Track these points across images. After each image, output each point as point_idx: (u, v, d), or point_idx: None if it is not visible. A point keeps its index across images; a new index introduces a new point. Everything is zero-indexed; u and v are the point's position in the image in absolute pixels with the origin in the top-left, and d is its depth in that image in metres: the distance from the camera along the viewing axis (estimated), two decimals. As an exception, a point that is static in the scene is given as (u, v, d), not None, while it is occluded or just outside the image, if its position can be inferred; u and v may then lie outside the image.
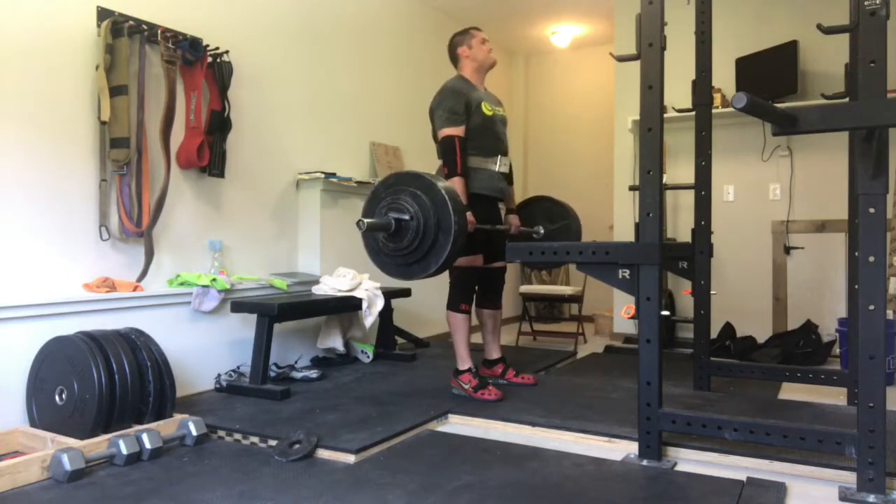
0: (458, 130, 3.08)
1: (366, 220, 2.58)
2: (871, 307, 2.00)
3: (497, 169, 3.23)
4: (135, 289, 3.04)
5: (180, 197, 3.36)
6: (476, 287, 3.31)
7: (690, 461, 2.37)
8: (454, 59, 3.35)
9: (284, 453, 2.38)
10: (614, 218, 5.27)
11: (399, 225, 2.63)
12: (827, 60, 4.38)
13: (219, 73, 3.46)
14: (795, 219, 4.57)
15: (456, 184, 3.00)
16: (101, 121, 2.92)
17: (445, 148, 3.08)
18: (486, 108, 3.19)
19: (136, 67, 3.05)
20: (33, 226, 2.75)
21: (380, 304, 3.83)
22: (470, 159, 3.15)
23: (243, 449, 2.51)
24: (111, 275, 3.01)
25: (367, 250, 2.83)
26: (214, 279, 3.33)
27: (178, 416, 2.63)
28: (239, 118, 3.61)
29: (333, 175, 4.10)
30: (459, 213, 2.60)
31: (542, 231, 3.60)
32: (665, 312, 2.40)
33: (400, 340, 4.47)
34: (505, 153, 3.28)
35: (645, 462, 2.34)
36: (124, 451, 2.29)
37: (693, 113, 3.36)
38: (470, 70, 3.28)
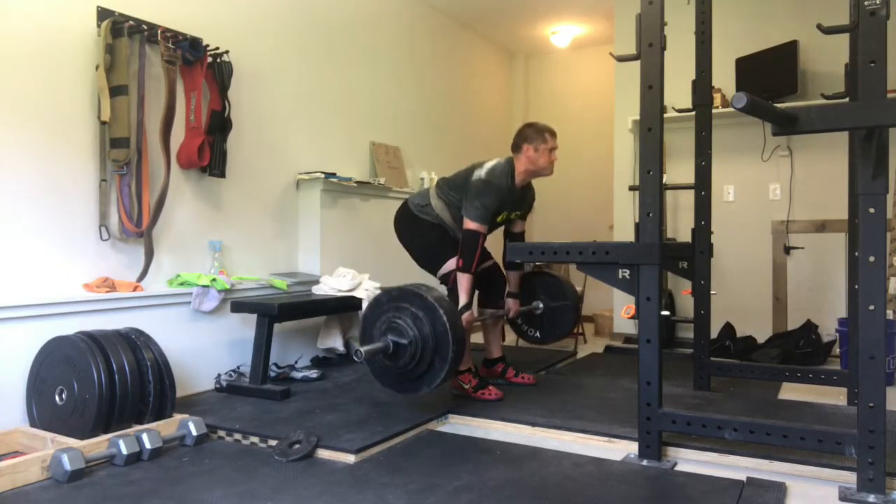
0: (484, 229, 3.05)
1: (363, 350, 2.58)
2: (871, 307, 2.00)
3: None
4: (135, 289, 3.04)
5: (180, 197, 3.36)
6: (476, 288, 3.31)
7: (690, 461, 2.37)
8: (516, 147, 3.18)
9: (284, 453, 2.38)
10: (614, 218, 5.27)
11: (397, 347, 2.64)
12: (827, 60, 4.38)
13: (219, 73, 3.46)
14: (795, 219, 4.57)
15: (464, 280, 3.02)
16: (101, 121, 2.92)
17: (468, 240, 3.02)
18: (501, 218, 3.20)
19: (136, 67, 3.05)
20: (33, 226, 2.75)
21: (380, 304, 3.82)
22: (453, 222, 3.20)
23: (243, 449, 2.51)
24: (111, 275, 3.01)
25: (367, 363, 2.81)
26: (214, 279, 3.33)
27: (178, 416, 2.63)
28: (239, 118, 3.61)
29: (333, 175, 4.10)
30: (458, 341, 2.60)
31: (541, 307, 3.63)
32: (665, 312, 2.40)
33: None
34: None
35: (645, 462, 2.34)
36: (124, 451, 2.29)
37: (693, 113, 3.36)
38: (523, 168, 3.15)
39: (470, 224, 3.03)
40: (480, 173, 3.09)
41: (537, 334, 3.72)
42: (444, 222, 3.21)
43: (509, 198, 3.15)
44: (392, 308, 2.69)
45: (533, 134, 3.15)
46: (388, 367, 2.71)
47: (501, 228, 3.37)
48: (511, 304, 3.44)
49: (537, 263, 3.89)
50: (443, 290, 3.04)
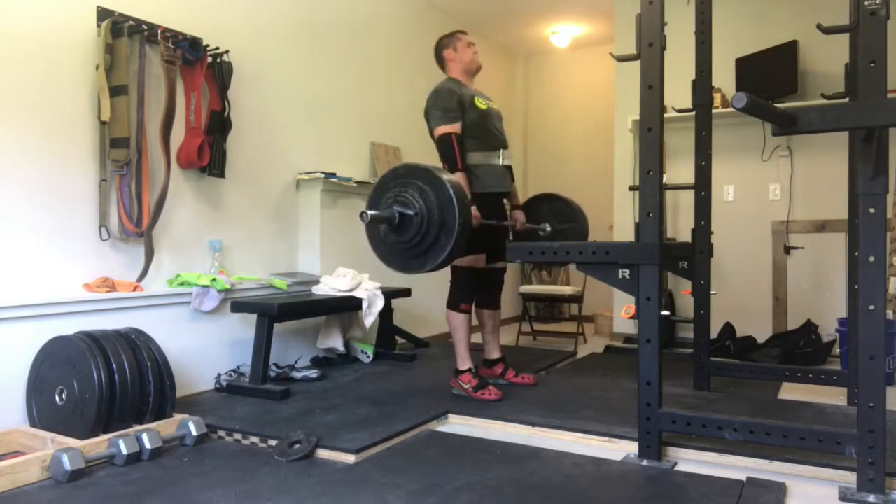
0: (454, 127, 3.09)
1: (369, 213, 2.57)
2: (871, 307, 2.00)
3: (501, 163, 3.25)
4: (135, 289, 3.04)
5: (180, 197, 3.36)
6: (477, 288, 3.31)
7: (690, 461, 2.37)
8: (440, 61, 3.37)
9: (284, 453, 2.38)
10: (614, 218, 5.27)
11: (403, 219, 2.62)
12: (827, 60, 4.38)
13: (219, 73, 3.46)
14: (795, 219, 4.57)
15: (459, 177, 3.01)
16: (101, 121, 2.92)
17: (443, 146, 3.10)
18: (480, 103, 3.20)
19: (136, 67, 3.05)
20: (33, 226, 2.75)
21: (380, 304, 3.83)
22: (472, 156, 3.16)
23: (243, 449, 2.51)
24: (111, 275, 3.01)
25: (369, 238, 2.82)
26: (214, 279, 3.33)
27: (178, 416, 2.63)
28: (239, 118, 3.61)
29: (333, 175, 4.10)
30: (465, 213, 2.59)
31: (548, 228, 3.56)
32: (665, 312, 2.40)
33: (400, 340, 4.47)
34: (506, 146, 3.31)
35: (645, 462, 2.34)
36: (124, 451, 2.29)
37: (693, 113, 3.36)
38: (458, 71, 3.30)
39: (436, 131, 3.12)
40: (427, 97, 3.20)
41: (547, 227, 3.61)
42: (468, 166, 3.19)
43: (469, 90, 3.22)
44: (398, 184, 2.68)
45: (446, 41, 3.34)
46: (392, 243, 2.69)
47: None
48: (517, 215, 3.46)
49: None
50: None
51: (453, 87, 3.18)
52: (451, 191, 2.58)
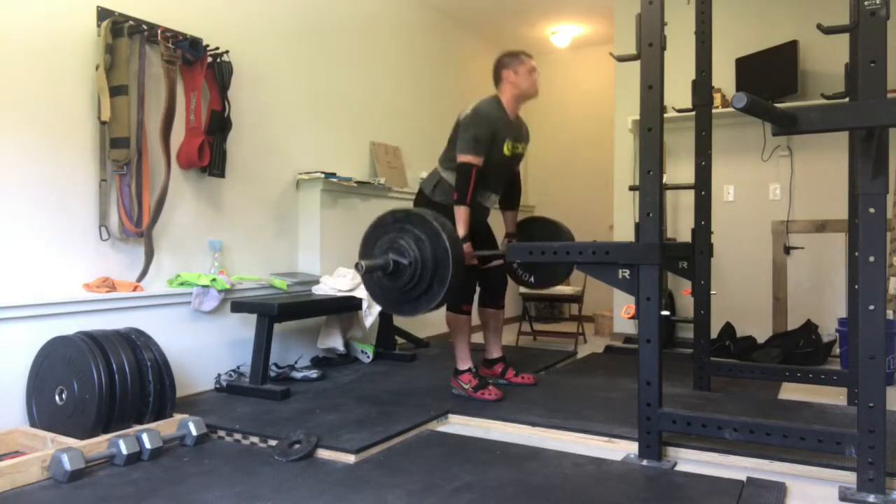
0: (478, 160, 3.02)
1: (364, 263, 2.58)
2: (871, 307, 2.00)
3: (486, 204, 3.25)
4: (135, 289, 3.04)
5: (180, 197, 3.36)
6: (477, 287, 3.31)
7: (690, 461, 2.37)
8: (497, 78, 3.20)
9: (284, 453, 2.38)
10: (614, 218, 5.27)
11: (397, 267, 2.64)
12: (827, 60, 4.38)
13: (219, 73, 3.46)
14: (795, 219, 4.57)
15: (461, 212, 3.00)
16: (101, 121, 2.92)
17: (462, 175, 3.02)
18: (507, 149, 3.13)
19: (136, 67, 3.05)
20: (33, 226, 2.75)
21: (380, 304, 3.83)
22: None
23: (243, 449, 2.51)
24: (111, 275, 3.01)
25: (362, 279, 2.82)
26: (214, 279, 3.33)
27: (178, 416, 2.63)
28: (239, 118, 3.61)
29: (333, 175, 4.10)
30: (458, 266, 2.60)
31: None
32: (665, 312, 2.40)
33: (400, 340, 4.47)
34: (499, 191, 3.29)
35: (645, 462, 2.34)
36: (124, 451, 2.29)
37: (693, 113, 3.36)
38: (509, 96, 3.16)
39: (461, 157, 3.02)
40: (467, 111, 3.11)
41: (531, 279, 3.66)
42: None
43: (505, 127, 3.13)
44: (396, 229, 2.69)
45: (509, 60, 3.18)
46: (386, 286, 2.71)
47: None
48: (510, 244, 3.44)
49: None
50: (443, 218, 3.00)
51: (494, 117, 3.07)
52: (447, 243, 2.59)
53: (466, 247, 2.97)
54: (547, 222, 3.67)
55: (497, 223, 3.46)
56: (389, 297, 2.76)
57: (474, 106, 3.11)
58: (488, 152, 3.05)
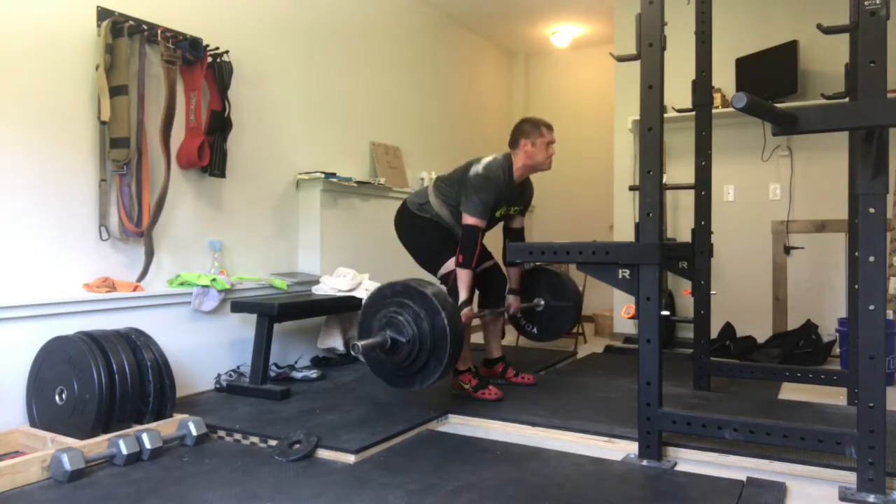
0: (483, 224, 3.05)
1: (360, 344, 2.58)
2: (871, 307, 2.00)
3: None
4: (135, 289, 3.04)
5: (180, 197, 3.36)
6: (476, 288, 3.31)
7: (690, 461, 2.37)
8: (514, 142, 3.17)
9: (284, 453, 2.38)
10: (614, 218, 5.27)
11: (395, 343, 2.64)
12: (827, 60, 4.38)
13: (219, 73, 3.46)
14: (795, 219, 4.57)
15: (464, 275, 3.01)
16: (101, 121, 2.92)
17: (468, 238, 3.02)
18: (500, 213, 3.18)
19: (136, 67, 3.05)
20: (33, 226, 2.75)
21: (380, 304, 3.83)
22: (453, 224, 3.19)
23: (243, 449, 2.51)
24: (111, 275, 3.01)
25: (363, 354, 2.81)
26: (214, 279, 3.33)
27: (178, 416, 2.63)
28: (239, 118, 3.61)
29: (333, 175, 4.10)
30: (456, 344, 2.60)
31: (542, 304, 3.60)
32: (665, 312, 2.40)
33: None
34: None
35: (645, 462, 2.34)
36: (124, 451, 2.29)
37: (693, 113, 3.36)
38: (521, 163, 3.14)
39: (469, 219, 3.03)
40: (478, 168, 3.08)
41: (535, 330, 3.70)
42: (443, 219, 3.21)
43: (507, 192, 3.14)
44: (394, 303, 2.68)
45: (530, 129, 3.14)
46: (383, 360, 2.71)
47: (501, 225, 3.38)
48: (511, 301, 3.43)
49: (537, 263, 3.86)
50: (442, 290, 3.04)
51: (501, 183, 3.08)
52: (446, 321, 2.57)
53: (467, 311, 3.00)
54: (551, 274, 3.67)
55: (495, 237, 3.45)
56: (385, 370, 2.76)
57: (486, 164, 3.09)
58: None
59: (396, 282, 2.74)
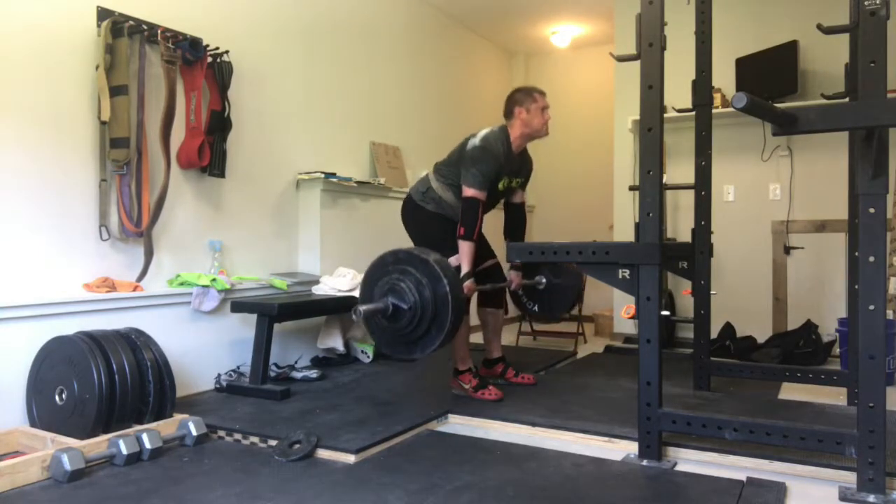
0: (483, 195, 3.04)
1: (362, 309, 2.56)
2: (871, 307, 2.00)
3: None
4: (135, 289, 3.04)
5: (180, 197, 3.36)
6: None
7: (690, 461, 2.37)
8: (508, 112, 3.19)
9: (284, 453, 2.38)
10: (614, 218, 5.27)
11: (396, 310, 2.62)
12: (827, 60, 4.38)
13: (219, 73, 3.46)
14: (795, 219, 4.57)
15: (466, 247, 3.00)
16: (101, 121, 2.92)
17: (469, 210, 3.02)
18: (502, 185, 3.15)
19: (136, 67, 3.05)
20: (33, 225, 2.75)
21: (380, 304, 3.83)
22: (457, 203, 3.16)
23: (243, 449, 2.51)
24: (111, 275, 3.01)
25: (363, 319, 2.81)
26: (214, 279, 3.33)
27: (178, 416, 2.63)
28: (239, 118, 3.61)
29: (333, 175, 4.10)
30: (458, 312, 2.58)
31: (544, 281, 3.58)
32: (665, 312, 2.40)
33: (400, 340, 4.46)
34: (487, 211, 3.24)
35: (645, 462, 2.34)
36: (124, 451, 2.29)
37: (693, 113, 3.36)
38: (518, 132, 3.15)
39: (468, 191, 3.02)
40: (475, 141, 3.08)
41: (535, 308, 3.67)
42: (446, 203, 3.19)
43: (507, 164, 3.13)
44: (396, 270, 2.67)
45: (522, 97, 3.15)
46: (384, 326, 2.69)
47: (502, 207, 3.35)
48: (513, 276, 3.42)
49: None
50: (444, 258, 3.01)
51: (500, 153, 3.07)
52: (448, 289, 2.55)
53: (469, 284, 2.98)
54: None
55: (495, 231, 3.45)
56: (386, 338, 2.73)
57: (483, 136, 3.09)
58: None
59: (398, 249, 2.74)
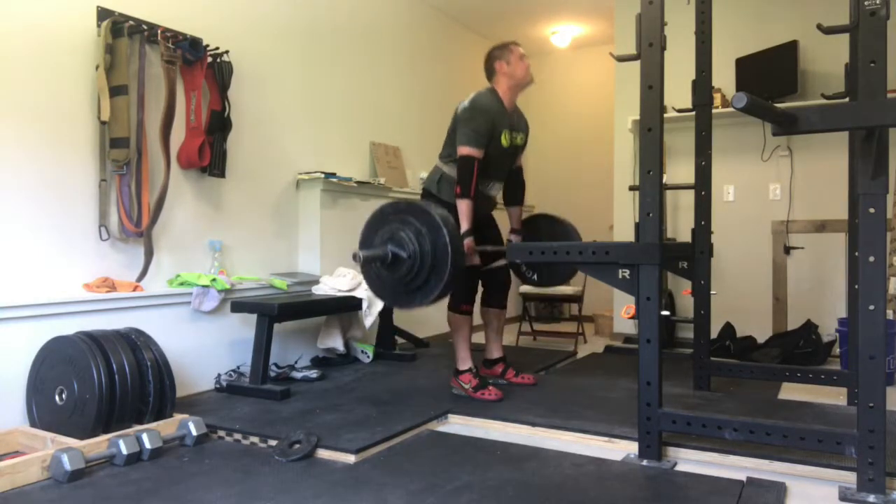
0: (479, 153, 3.02)
1: (362, 254, 2.56)
2: (871, 307, 2.00)
3: (490, 193, 3.25)
4: (135, 289, 3.04)
5: (180, 197, 3.36)
6: (479, 287, 3.31)
7: (690, 461, 2.37)
8: (490, 71, 3.22)
9: (284, 453, 2.38)
10: (614, 218, 5.27)
11: (395, 258, 2.62)
12: (827, 60, 4.38)
13: (219, 73, 3.46)
14: (795, 219, 4.57)
15: (464, 205, 3.00)
16: (101, 121, 2.92)
17: (464, 168, 3.02)
18: (505, 139, 3.13)
19: (136, 67, 3.05)
20: (33, 226, 2.75)
21: (380, 304, 3.83)
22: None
23: (243, 449, 2.51)
24: (111, 275, 3.01)
25: (362, 270, 2.81)
26: (214, 279, 3.33)
27: (178, 416, 2.63)
28: (239, 118, 3.61)
29: (333, 175, 4.10)
30: (458, 260, 2.58)
31: None
32: (665, 312, 2.40)
33: (400, 340, 4.47)
34: (502, 179, 3.28)
35: (645, 462, 2.34)
36: (124, 451, 2.29)
37: (693, 113, 3.36)
38: (505, 87, 3.17)
39: (462, 150, 3.02)
40: (465, 104, 3.11)
41: (535, 277, 3.64)
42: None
43: (504, 118, 3.13)
44: (396, 220, 2.67)
45: (499, 52, 3.21)
46: (384, 276, 2.69)
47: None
48: (514, 240, 3.42)
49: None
50: (445, 211, 2.99)
51: (492, 109, 3.08)
52: (448, 238, 2.56)
53: (468, 242, 2.96)
54: (553, 220, 3.63)
55: (502, 220, 3.45)
56: (385, 288, 2.73)
57: (471, 98, 3.11)
58: (487, 145, 3.05)
59: (398, 200, 2.74)
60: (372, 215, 2.77)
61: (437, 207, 2.68)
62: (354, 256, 2.55)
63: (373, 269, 2.72)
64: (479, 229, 3.15)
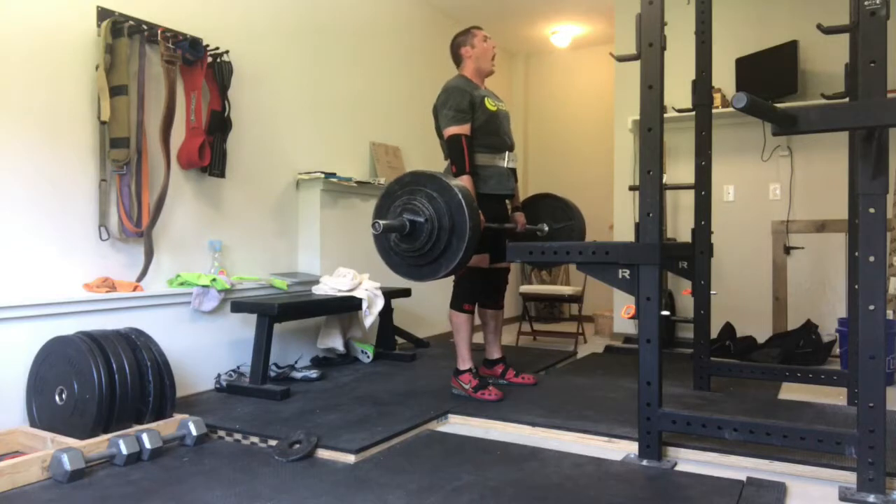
0: (464, 129, 3.07)
1: (381, 222, 2.55)
2: (871, 307, 2.00)
3: (506, 165, 3.24)
4: (135, 289, 3.04)
5: (180, 197, 3.36)
6: (482, 287, 3.31)
7: (690, 461, 2.37)
8: (457, 58, 3.34)
9: (284, 453, 2.38)
10: (614, 218, 5.27)
11: (413, 226, 2.60)
12: (827, 60, 4.38)
13: (219, 73, 3.46)
14: (795, 219, 4.57)
15: (465, 182, 3.00)
16: (101, 121, 2.92)
17: (453, 147, 3.06)
18: (490, 104, 3.18)
19: (136, 67, 3.05)
20: (33, 226, 2.75)
21: (380, 304, 3.83)
22: (479, 157, 3.15)
23: (243, 449, 2.51)
24: (111, 275, 3.01)
25: (378, 249, 2.81)
26: (214, 279, 3.33)
27: (178, 416, 2.63)
28: (239, 118, 3.61)
29: (333, 175, 4.10)
30: (474, 217, 2.59)
31: (545, 229, 3.57)
32: (665, 312, 2.40)
33: (400, 340, 4.47)
34: (512, 149, 3.29)
35: (645, 462, 2.34)
36: (124, 451, 2.29)
37: (693, 113, 3.36)
38: (472, 69, 3.28)
39: (447, 131, 3.09)
40: (439, 94, 3.20)
41: (545, 227, 3.64)
42: (475, 172, 3.18)
43: (480, 92, 3.20)
44: (406, 192, 2.67)
45: (462, 38, 3.32)
46: (403, 251, 2.68)
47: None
48: (518, 217, 3.43)
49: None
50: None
51: (465, 87, 3.16)
52: (460, 195, 2.56)
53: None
54: (556, 200, 3.65)
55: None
56: (408, 263, 2.71)
57: (443, 87, 3.20)
58: (474, 117, 3.11)
59: (403, 174, 2.74)
60: (380, 197, 2.77)
61: (443, 172, 2.68)
62: (374, 225, 2.53)
63: (391, 247, 2.70)
64: (496, 221, 3.17)
